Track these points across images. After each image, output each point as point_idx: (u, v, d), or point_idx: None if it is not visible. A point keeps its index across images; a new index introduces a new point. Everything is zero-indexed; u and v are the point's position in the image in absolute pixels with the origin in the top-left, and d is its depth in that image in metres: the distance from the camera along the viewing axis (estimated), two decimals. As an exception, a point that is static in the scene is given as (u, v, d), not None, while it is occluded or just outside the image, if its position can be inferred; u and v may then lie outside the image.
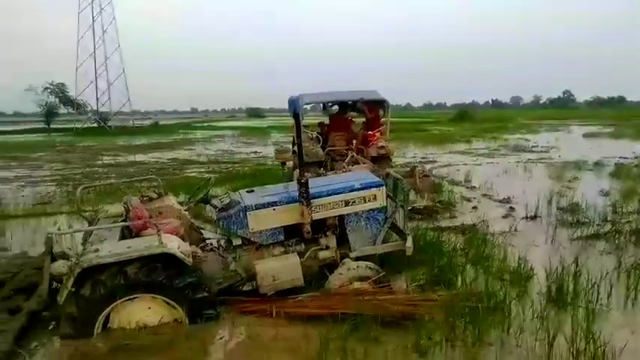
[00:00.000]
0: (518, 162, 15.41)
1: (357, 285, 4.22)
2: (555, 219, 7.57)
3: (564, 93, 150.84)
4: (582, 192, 9.39)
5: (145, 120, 72.67)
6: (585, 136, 28.39)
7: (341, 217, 4.63)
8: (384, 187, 4.70)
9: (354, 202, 4.57)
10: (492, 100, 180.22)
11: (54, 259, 3.89)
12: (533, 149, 20.26)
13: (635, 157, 15.95)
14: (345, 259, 4.46)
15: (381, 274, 4.35)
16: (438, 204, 8.62)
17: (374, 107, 9.13)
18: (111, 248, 3.79)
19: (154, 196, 5.13)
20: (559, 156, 17.02)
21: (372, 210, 4.67)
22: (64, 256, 3.86)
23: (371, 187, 4.65)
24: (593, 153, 17.32)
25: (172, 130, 47.91)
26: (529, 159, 16.34)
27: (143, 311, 3.82)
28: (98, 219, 4.91)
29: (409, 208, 7.68)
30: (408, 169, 8.34)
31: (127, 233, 4.42)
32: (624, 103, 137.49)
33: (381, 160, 8.72)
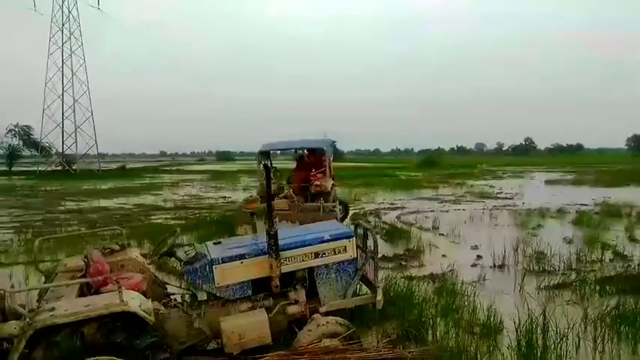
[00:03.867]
0: (484, 209, 15.68)
1: (327, 342, 4.07)
2: (522, 267, 7.66)
3: (526, 140, 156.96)
4: (547, 240, 9.57)
5: (112, 163, 71.51)
6: (547, 182, 29.34)
7: (310, 270, 4.53)
8: (354, 238, 4.63)
9: (324, 253, 4.47)
10: (457, 146, 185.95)
11: (5, 318, 3.64)
12: (498, 196, 20.72)
13: (595, 205, 16.48)
14: (315, 315, 4.33)
15: (352, 330, 4.24)
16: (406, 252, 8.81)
17: (316, 153, 11.67)
18: (68, 307, 3.58)
19: (117, 248, 4.93)
20: (523, 203, 17.42)
21: (343, 262, 4.57)
22: (17, 314, 3.63)
23: (341, 238, 4.58)
24: (555, 200, 17.83)
25: (140, 174, 47.17)
26: (494, 206, 16.68)
27: (100, 375, 3.58)
28: (56, 273, 4.67)
29: None
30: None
31: (86, 289, 4.21)
32: (582, 150, 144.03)
33: (319, 195, 10.43)
